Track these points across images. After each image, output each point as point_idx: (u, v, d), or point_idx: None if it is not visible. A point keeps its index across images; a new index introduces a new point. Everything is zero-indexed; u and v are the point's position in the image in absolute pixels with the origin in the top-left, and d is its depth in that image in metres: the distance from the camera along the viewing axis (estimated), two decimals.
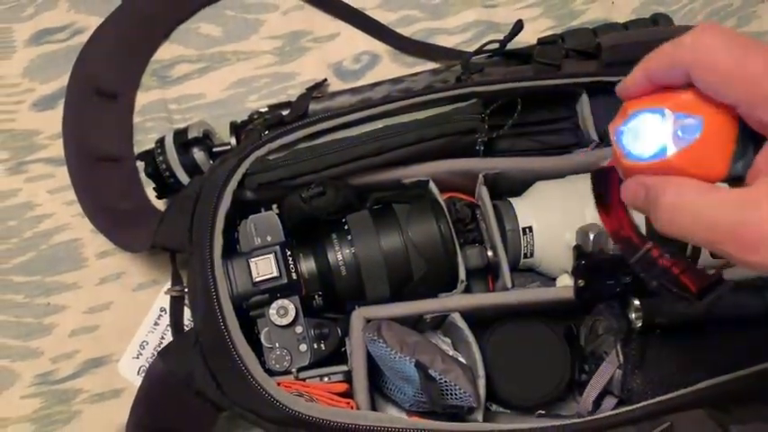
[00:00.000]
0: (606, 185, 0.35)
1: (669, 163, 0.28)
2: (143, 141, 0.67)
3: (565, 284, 0.53)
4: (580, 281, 0.50)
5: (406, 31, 0.71)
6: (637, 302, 0.50)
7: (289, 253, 0.51)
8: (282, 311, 0.50)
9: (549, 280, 0.56)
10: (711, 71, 0.27)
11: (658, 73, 0.29)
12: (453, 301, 0.52)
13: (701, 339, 0.49)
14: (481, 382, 0.50)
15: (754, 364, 0.48)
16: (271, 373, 0.49)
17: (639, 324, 0.49)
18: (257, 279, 0.49)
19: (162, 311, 0.61)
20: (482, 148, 0.55)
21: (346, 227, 0.52)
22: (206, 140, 0.62)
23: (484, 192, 0.55)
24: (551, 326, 0.54)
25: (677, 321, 0.48)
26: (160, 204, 0.64)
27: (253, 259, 0.50)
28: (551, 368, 0.53)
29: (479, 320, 0.54)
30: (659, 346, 0.49)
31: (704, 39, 0.28)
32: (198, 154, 0.60)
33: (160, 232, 0.53)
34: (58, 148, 0.66)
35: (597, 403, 0.50)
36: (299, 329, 0.50)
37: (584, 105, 0.57)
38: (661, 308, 0.49)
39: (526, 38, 0.63)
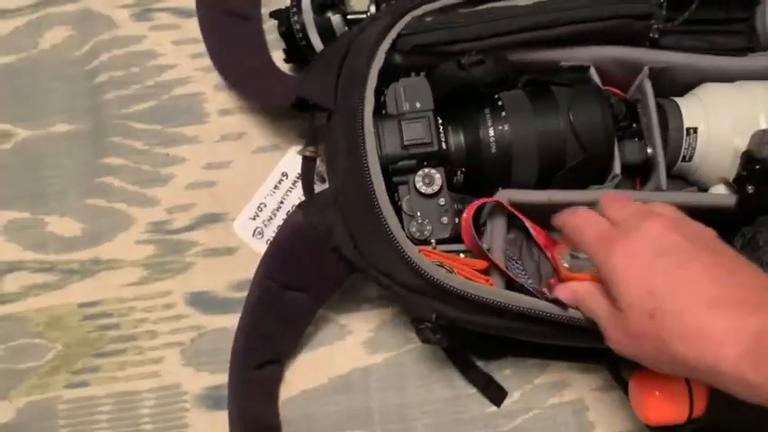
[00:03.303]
0: None
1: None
2: (269, 3, 0.64)
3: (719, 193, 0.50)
4: (750, 187, 0.47)
5: None
6: None
7: (441, 121, 0.48)
8: (428, 180, 0.47)
9: (701, 189, 0.52)
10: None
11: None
12: (603, 195, 0.49)
13: None
14: None
15: None
16: (410, 240, 0.47)
17: None
18: (408, 142, 0.47)
19: (283, 176, 0.60)
20: (656, 36, 0.51)
21: (500, 102, 0.49)
22: (342, 5, 0.59)
23: (647, 85, 0.51)
24: None
25: None
26: (287, 69, 0.61)
27: (405, 122, 0.48)
28: None
29: None
30: None
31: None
32: (334, 18, 0.57)
33: (305, 86, 0.51)
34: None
35: None
36: (442, 201, 0.48)
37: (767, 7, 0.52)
38: None
39: None
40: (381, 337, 0.57)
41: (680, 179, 0.53)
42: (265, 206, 0.60)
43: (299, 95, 0.51)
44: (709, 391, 0.44)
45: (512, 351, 0.57)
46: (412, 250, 0.46)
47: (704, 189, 0.52)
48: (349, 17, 0.58)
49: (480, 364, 0.57)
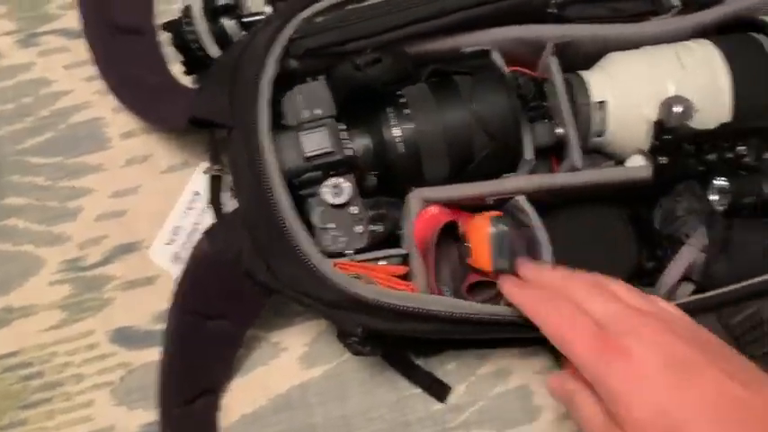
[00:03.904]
0: None
1: None
2: (166, 12, 0.61)
3: (637, 164, 0.49)
4: (662, 158, 0.46)
5: None
6: (722, 182, 0.46)
7: (342, 127, 0.46)
8: (337, 190, 0.45)
9: (617, 163, 0.52)
10: None
11: None
12: (520, 182, 0.48)
13: None
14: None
15: None
16: (325, 254, 0.45)
17: (724, 205, 0.45)
18: (309, 154, 0.45)
19: (196, 195, 0.57)
20: (554, 10, 0.49)
21: (403, 100, 0.47)
22: (236, 9, 0.56)
23: (554, 62, 0.49)
24: (617, 210, 0.51)
25: (733, 194, 0.45)
26: (188, 82, 0.58)
27: (304, 132, 0.45)
28: (617, 254, 0.50)
29: (539, 206, 0.50)
30: (744, 229, 0.46)
31: None
32: (228, 23, 0.54)
33: (198, 104, 0.48)
34: (71, 19, 0.61)
35: (671, 290, 0.47)
36: (354, 210, 0.46)
37: None
38: (751, 187, 0.45)
39: None
40: (317, 349, 0.56)
41: (597, 153, 0.52)
42: (180, 229, 0.57)
43: (193, 115, 0.48)
44: None
45: (451, 345, 0.56)
46: (326, 266, 0.44)
47: (622, 161, 0.51)
48: (244, 20, 0.55)
49: (421, 361, 0.56)
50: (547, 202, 0.50)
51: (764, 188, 0.45)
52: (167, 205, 0.58)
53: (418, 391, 0.55)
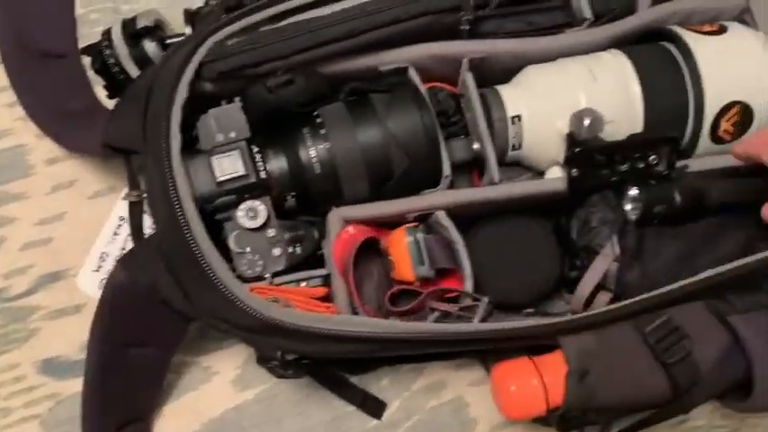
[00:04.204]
0: None
1: None
2: (89, 35, 0.60)
3: (555, 176, 0.50)
4: (574, 170, 0.47)
5: None
6: (634, 191, 0.46)
7: (256, 149, 0.46)
8: (252, 213, 0.45)
9: (537, 174, 0.52)
10: None
11: None
12: (437, 198, 0.48)
13: (698, 229, 0.46)
14: (468, 284, 0.47)
15: (751, 252, 0.45)
16: (242, 279, 0.45)
17: (636, 214, 0.46)
18: (221, 178, 0.45)
19: (121, 220, 0.57)
20: (467, 28, 0.49)
21: (319, 120, 0.47)
22: (158, 31, 0.55)
23: (469, 78, 0.50)
24: (539, 221, 0.51)
25: (678, 209, 0.45)
26: (112, 105, 0.57)
27: (215, 157, 0.45)
28: (540, 265, 0.51)
29: (464, 220, 0.50)
30: (656, 237, 0.46)
31: None
32: (149, 45, 0.54)
33: (111, 131, 0.48)
34: None
35: (589, 299, 0.47)
36: (271, 233, 0.46)
37: None
38: (663, 195, 0.46)
39: None
40: (250, 372, 0.55)
41: (518, 165, 0.53)
42: (107, 255, 0.56)
43: (104, 143, 0.48)
44: (566, 379, 0.44)
45: (385, 361, 0.56)
46: (241, 291, 0.44)
47: (542, 173, 0.52)
48: (167, 41, 0.55)
49: (356, 379, 0.56)
50: (472, 215, 0.51)
51: (675, 197, 0.46)
52: (94, 231, 0.57)
53: (353, 408, 0.55)
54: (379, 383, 0.56)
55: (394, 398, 0.56)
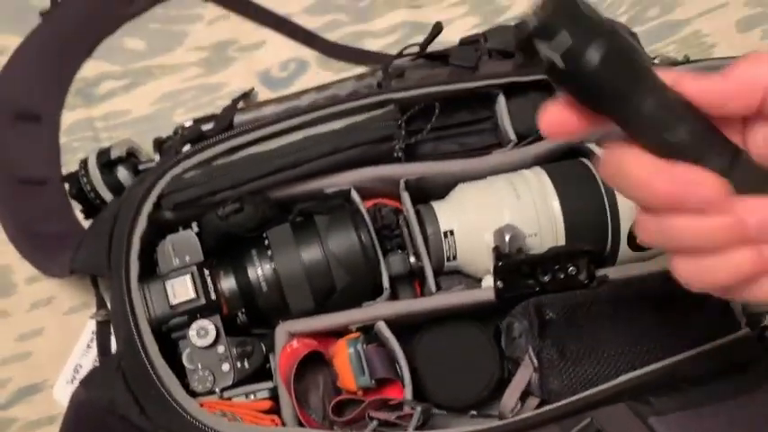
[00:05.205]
0: None
1: None
2: (71, 162, 0.66)
3: (489, 285, 0.54)
4: (499, 282, 0.51)
5: (332, 35, 0.70)
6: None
7: (207, 272, 0.51)
8: (203, 332, 0.49)
9: (476, 281, 0.56)
10: None
11: None
12: (377, 310, 0.52)
13: (616, 332, 0.50)
14: (407, 391, 0.50)
15: (673, 350, 0.49)
16: (194, 394, 0.49)
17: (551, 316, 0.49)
18: (174, 302, 0.49)
19: (94, 334, 0.61)
20: (401, 154, 0.55)
21: (266, 242, 0.52)
22: (131, 158, 0.61)
23: (405, 197, 0.55)
24: (480, 326, 0.55)
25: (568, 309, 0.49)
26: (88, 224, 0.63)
27: (169, 281, 0.50)
28: (481, 368, 0.54)
29: (410, 326, 0.54)
30: (577, 340, 0.50)
31: None
32: (122, 173, 0.59)
33: (78, 257, 0.53)
34: None
35: (523, 401, 0.50)
36: (220, 349, 0.50)
37: (502, 106, 0.57)
38: (552, 302, 0.49)
39: (452, 36, 0.63)
40: None
41: (456, 274, 0.57)
42: (81, 367, 0.60)
43: (71, 269, 0.52)
44: None
45: None
46: (192, 407, 0.47)
47: (479, 280, 0.56)
48: (140, 167, 0.61)
49: None
50: (414, 323, 0.54)
51: (593, 306, 0.50)
52: (70, 345, 0.61)
53: None
54: None
55: None
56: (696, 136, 0.27)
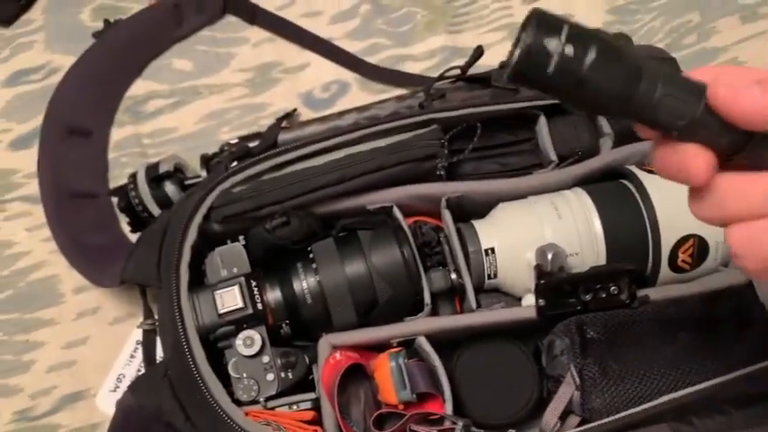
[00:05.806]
0: None
1: None
2: (119, 176, 0.68)
3: (529, 304, 0.54)
4: (541, 300, 0.51)
5: (373, 59, 0.72)
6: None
7: (254, 283, 0.52)
8: (249, 342, 0.50)
9: (515, 300, 0.57)
10: None
11: None
12: (419, 325, 0.53)
13: (659, 352, 0.50)
14: (448, 406, 0.51)
15: (716, 372, 0.49)
16: (239, 403, 0.50)
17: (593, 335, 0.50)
18: (222, 311, 0.50)
19: (138, 344, 0.62)
20: (443, 172, 0.56)
21: (311, 255, 0.53)
22: (177, 174, 0.63)
23: (446, 215, 0.56)
24: (519, 344, 0.55)
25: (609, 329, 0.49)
26: (135, 237, 0.65)
27: (218, 291, 0.51)
28: (520, 387, 0.54)
29: (449, 342, 0.55)
30: (619, 360, 0.50)
31: None
32: (170, 187, 0.61)
33: (128, 268, 0.54)
34: (34, 187, 0.68)
35: (563, 420, 0.50)
36: (265, 359, 0.51)
37: (543, 127, 0.58)
38: (594, 321, 0.50)
39: (490, 61, 0.65)
40: None
41: (496, 292, 0.57)
42: (124, 377, 0.61)
43: (122, 279, 0.54)
44: None
45: None
46: (238, 415, 0.48)
47: (519, 299, 0.56)
48: (186, 182, 0.62)
49: None
50: (455, 339, 0.55)
51: (635, 325, 0.50)
52: (114, 354, 0.62)
53: None
54: None
55: None
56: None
